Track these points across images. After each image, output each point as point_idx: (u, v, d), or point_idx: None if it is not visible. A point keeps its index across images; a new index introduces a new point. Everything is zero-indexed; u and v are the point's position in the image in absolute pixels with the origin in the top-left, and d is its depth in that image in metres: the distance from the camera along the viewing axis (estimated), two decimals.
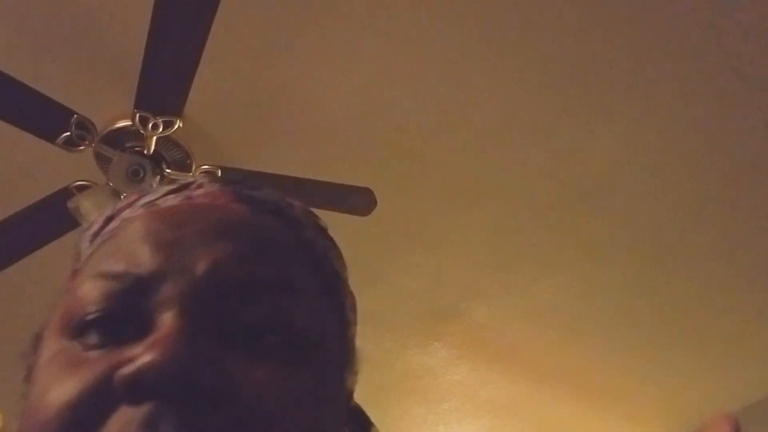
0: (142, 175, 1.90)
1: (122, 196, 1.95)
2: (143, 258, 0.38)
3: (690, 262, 2.44)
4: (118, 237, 0.41)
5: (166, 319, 0.35)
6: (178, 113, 1.79)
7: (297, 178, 1.98)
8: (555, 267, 2.50)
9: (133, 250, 0.39)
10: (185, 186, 0.46)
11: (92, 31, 1.85)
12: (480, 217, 2.33)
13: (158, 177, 1.98)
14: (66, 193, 1.97)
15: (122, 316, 0.37)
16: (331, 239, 0.48)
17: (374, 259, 2.45)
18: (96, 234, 0.45)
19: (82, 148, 1.87)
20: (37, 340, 0.42)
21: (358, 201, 2.05)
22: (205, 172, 2.02)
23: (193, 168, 2.02)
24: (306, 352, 0.38)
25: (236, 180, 0.47)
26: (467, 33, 1.84)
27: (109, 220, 0.45)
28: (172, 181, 1.88)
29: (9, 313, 2.65)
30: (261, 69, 1.93)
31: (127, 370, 0.33)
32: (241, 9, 1.78)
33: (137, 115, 1.79)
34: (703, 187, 2.20)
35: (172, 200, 0.44)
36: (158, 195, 0.45)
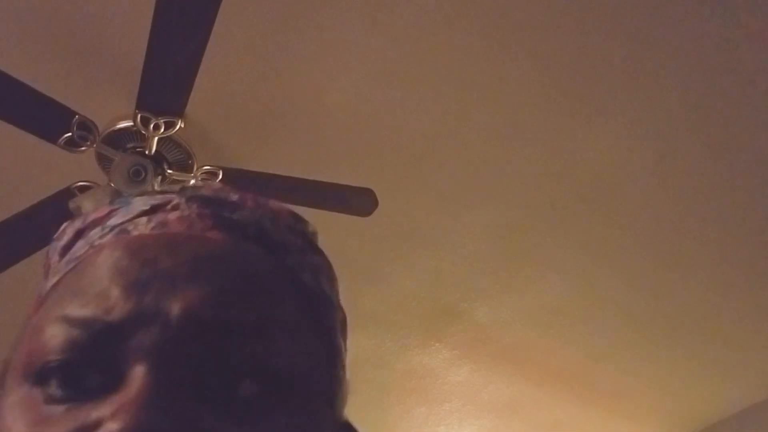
0: (143, 175, 1.91)
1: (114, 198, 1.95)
2: (112, 302, 0.35)
3: (691, 262, 2.44)
4: (86, 271, 0.38)
5: (137, 374, 0.33)
6: (180, 114, 1.79)
7: (298, 179, 1.98)
8: (556, 267, 2.50)
9: (101, 292, 0.36)
10: (160, 207, 0.42)
11: (94, 32, 1.85)
12: (481, 217, 2.33)
13: (159, 177, 1.98)
14: (67, 193, 1.98)
15: (88, 365, 0.34)
16: (319, 253, 0.45)
17: (375, 259, 2.45)
18: (66, 248, 0.43)
19: (83, 148, 1.88)
20: (4, 373, 0.39)
21: (359, 201, 2.05)
22: (207, 172, 2.02)
23: (195, 168, 2.02)
24: (289, 395, 0.36)
25: (215, 200, 0.43)
26: (468, 33, 1.84)
27: (79, 234, 0.42)
28: (174, 182, 1.87)
29: (10, 313, 2.66)
30: (262, 70, 1.93)
31: None
32: (242, 9, 1.78)
33: (138, 115, 1.79)
34: (705, 187, 2.20)
35: (144, 226, 0.40)
36: (130, 216, 0.41)
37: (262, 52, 1.89)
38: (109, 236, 0.40)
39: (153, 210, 0.41)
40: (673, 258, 2.43)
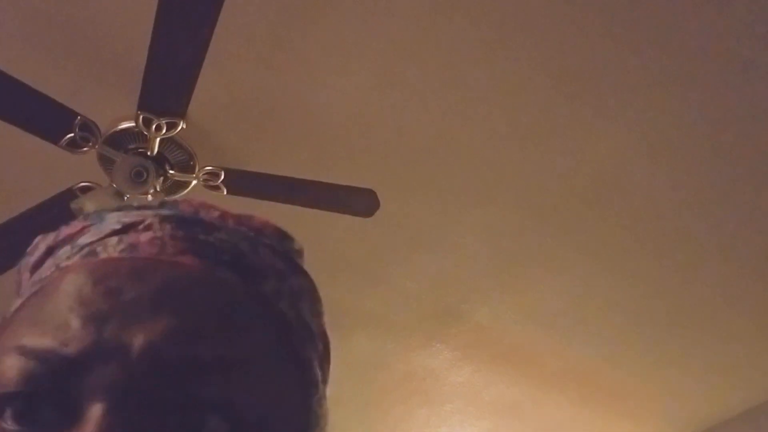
0: (145, 176, 1.91)
1: (125, 197, 1.95)
2: (70, 334, 0.34)
3: (692, 263, 2.44)
4: (47, 297, 0.37)
5: (93, 414, 0.32)
6: (182, 115, 1.79)
7: (299, 180, 1.98)
8: (558, 268, 2.50)
9: (60, 323, 0.34)
10: (132, 226, 0.40)
11: (96, 33, 1.85)
12: (482, 218, 2.33)
13: (161, 178, 1.98)
14: (69, 194, 1.98)
15: (43, 399, 0.33)
16: (302, 275, 0.43)
17: (376, 260, 2.45)
18: (36, 265, 0.41)
19: (85, 149, 1.88)
20: None
21: (360, 202, 2.05)
22: (209, 173, 2.02)
23: (197, 169, 2.02)
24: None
25: (191, 220, 0.41)
26: (469, 34, 1.84)
27: (50, 251, 0.41)
28: (175, 183, 1.88)
29: None
30: (264, 71, 1.93)
31: None
32: (244, 11, 1.78)
33: (140, 116, 1.79)
34: (706, 188, 2.20)
35: (113, 248, 0.38)
36: (101, 235, 0.39)
37: (263, 53, 1.89)
38: (77, 258, 0.39)
39: (125, 229, 0.40)
40: (675, 259, 2.43)
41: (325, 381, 0.42)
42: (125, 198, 1.95)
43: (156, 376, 0.33)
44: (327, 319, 0.44)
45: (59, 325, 0.34)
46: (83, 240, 0.40)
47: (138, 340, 0.33)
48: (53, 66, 1.90)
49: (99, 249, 0.39)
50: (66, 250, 0.40)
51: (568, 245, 2.40)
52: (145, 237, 0.39)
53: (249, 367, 0.36)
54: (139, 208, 0.42)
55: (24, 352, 0.34)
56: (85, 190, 1.98)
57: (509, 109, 2.01)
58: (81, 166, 2.00)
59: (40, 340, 0.34)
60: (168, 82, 1.70)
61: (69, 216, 1.97)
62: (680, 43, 1.83)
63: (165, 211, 0.41)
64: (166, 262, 0.37)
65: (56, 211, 1.98)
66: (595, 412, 3.16)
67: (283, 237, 0.43)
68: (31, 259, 0.42)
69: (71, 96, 1.87)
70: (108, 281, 0.36)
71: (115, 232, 0.39)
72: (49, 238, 0.42)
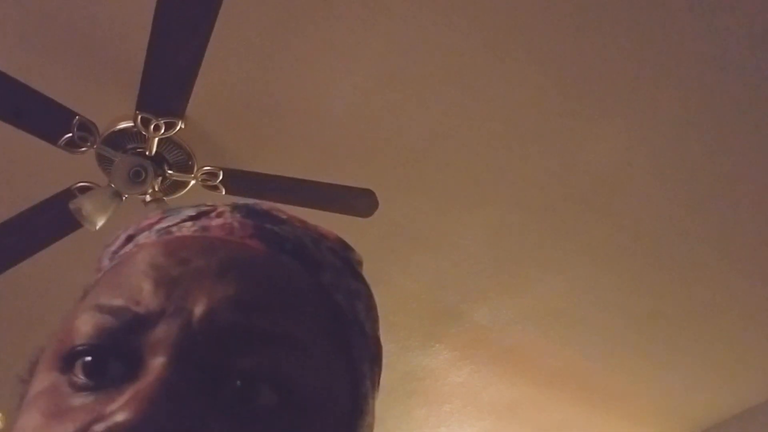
0: (143, 176, 1.90)
1: (124, 197, 1.95)
2: (143, 295, 0.37)
3: (692, 263, 2.44)
4: (125, 266, 0.40)
5: (154, 366, 0.34)
6: (180, 115, 1.79)
7: (298, 180, 1.98)
8: (557, 269, 2.50)
9: (134, 285, 0.37)
10: (205, 213, 0.44)
11: (94, 33, 1.85)
12: (482, 218, 2.33)
13: (160, 178, 1.98)
14: (68, 194, 1.98)
15: (113, 352, 0.36)
16: (361, 281, 0.45)
17: (375, 260, 2.45)
18: (115, 252, 0.44)
19: (83, 149, 1.88)
20: (34, 366, 0.40)
21: (359, 202, 2.05)
22: (207, 173, 2.02)
23: (195, 169, 2.02)
24: (302, 414, 0.36)
25: (260, 211, 0.44)
26: (468, 34, 1.84)
27: (129, 239, 0.44)
28: (174, 183, 1.88)
29: (10, 313, 2.65)
30: (263, 70, 1.93)
31: (97, 428, 0.32)
32: (242, 11, 1.78)
33: (139, 116, 1.79)
34: (706, 189, 2.20)
35: (187, 229, 0.42)
36: (176, 221, 0.43)
37: (262, 53, 1.89)
38: (153, 237, 0.42)
39: (198, 216, 0.43)
40: (674, 259, 2.43)
41: (373, 383, 0.44)
42: (123, 198, 1.95)
43: (213, 339, 0.35)
44: (381, 331, 0.46)
45: (133, 287, 0.37)
46: (160, 225, 0.43)
47: (200, 305, 0.36)
48: (52, 66, 1.90)
49: (174, 230, 0.42)
50: (144, 234, 0.43)
51: (567, 246, 2.40)
52: (216, 222, 0.42)
53: (301, 345, 0.37)
54: (214, 203, 0.46)
55: (100, 308, 0.37)
56: (83, 190, 1.98)
57: (509, 110, 2.01)
58: (79, 166, 1.99)
59: (115, 299, 0.37)
60: (166, 82, 1.70)
61: (67, 216, 1.96)
62: (680, 43, 1.83)
63: (236, 204, 0.45)
64: (233, 242, 0.41)
65: (55, 211, 1.98)
66: (593, 413, 3.16)
67: (345, 245, 0.46)
68: (111, 248, 0.45)
69: (70, 96, 1.86)
70: (179, 253, 0.39)
71: (189, 218, 0.43)
72: (130, 229, 0.45)
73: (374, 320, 0.46)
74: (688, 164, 2.13)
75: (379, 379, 0.45)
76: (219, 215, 0.43)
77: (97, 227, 1.90)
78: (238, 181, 2.01)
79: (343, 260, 0.45)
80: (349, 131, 2.08)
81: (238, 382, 0.35)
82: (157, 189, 1.98)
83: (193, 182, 2.04)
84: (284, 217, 0.45)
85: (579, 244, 2.40)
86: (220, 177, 2.01)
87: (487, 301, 2.64)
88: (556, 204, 2.27)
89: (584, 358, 2.87)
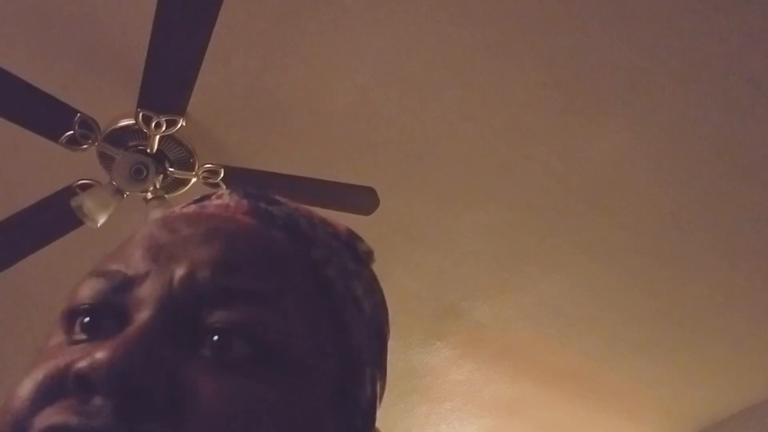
0: (145, 173, 1.91)
1: (125, 195, 1.95)
2: (134, 259, 0.40)
3: (692, 261, 2.44)
4: (128, 240, 0.43)
5: (138, 318, 0.37)
6: (182, 112, 1.79)
7: (299, 177, 1.98)
8: (558, 267, 2.50)
9: (129, 253, 0.41)
10: (207, 196, 0.47)
11: (95, 30, 1.85)
12: (483, 216, 2.33)
13: (161, 176, 1.98)
14: (69, 192, 1.98)
15: (106, 311, 0.39)
16: (365, 267, 0.47)
17: (376, 258, 2.44)
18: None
19: (85, 147, 1.88)
20: (48, 336, 0.43)
21: (360, 200, 2.05)
22: (209, 170, 2.02)
23: (196, 167, 2.02)
24: (277, 368, 0.37)
25: (258, 194, 0.47)
26: (470, 32, 1.84)
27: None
28: (175, 180, 1.88)
29: (11, 312, 2.66)
30: (264, 68, 1.93)
31: (80, 363, 0.34)
32: (244, 8, 1.78)
33: (140, 113, 1.79)
34: (707, 187, 2.20)
35: (188, 208, 0.46)
36: (183, 204, 0.48)
37: (263, 50, 1.89)
38: (162, 215, 0.47)
39: (201, 198, 0.47)
40: (674, 258, 2.43)
41: (374, 359, 0.45)
42: (125, 196, 1.95)
43: (192, 297, 0.38)
44: (389, 317, 0.47)
45: (127, 254, 0.41)
46: (172, 209, 0.48)
47: (182, 267, 0.39)
48: (53, 63, 1.90)
49: (176, 210, 0.47)
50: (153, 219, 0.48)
51: (567, 244, 2.40)
52: (215, 202, 0.46)
53: (278, 303, 0.39)
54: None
55: (98, 273, 0.41)
56: (84, 187, 1.98)
57: (510, 108, 2.01)
58: (81, 164, 1.99)
59: (111, 265, 0.41)
60: (168, 80, 1.70)
61: (69, 213, 1.96)
62: (680, 43, 1.83)
63: (237, 187, 0.49)
64: (225, 216, 0.44)
65: (56, 208, 1.98)
66: (594, 411, 3.16)
67: (352, 235, 0.48)
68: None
69: (71, 93, 1.86)
70: (172, 224, 0.43)
71: (194, 201, 0.48)
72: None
73: (377, 304, 0.47)
74: (688, 163, 2.13)
75: (385, 363, 0.46)
76: (219, 197, 0.47)
77: (99, 225, 1.90)
78: (239, 178, 2.01)
79: (346, 245, 0.47)
80: (351, 129, 2.08)
81: (215, 337, 0.37)
82: (158, 186, 1.99)
83: (194, 180, 2.04)
84: (284, 201, 0.47)
85: (580, 243, 2.40)
86: (222, 174, 2.01)
87: (488, 299, 2.64)
88: (558, 202, 2.27)
89: (585, 356, 2.87)
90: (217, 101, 2.00)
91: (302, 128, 2.08)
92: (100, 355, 0.34)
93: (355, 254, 0.47)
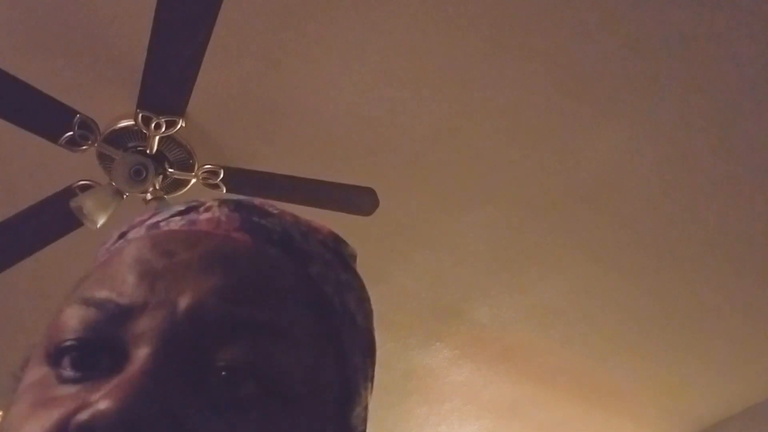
0: (144, 174, 1.90)
1: (125, 195, 1.95)
2: (127, 287, 0.37)
3: (692, 262, 2.44)
4: (112, 261, 0.40)
5: (138, 357, 0.34)
6: (181, 113, 1.79)
7: (299, 178, 1.98)
8: (557, 267, 2.50)
9: (119, 278, 0.38)
10: (194, 207, 0.44)
11: (95, 31, 1.85)
12: (482, 217, 2.33)
13: (161, 177, 1.98)
14: (69, 192, 1.98)
15: (99, 345, 0.36)
16: (352, 274, 0.45)
17: (376, 259, 2.44)
18: (108, 250, 0.45)
19: (84, 147, 1.88)
20: (26, 362, 0.40)
21: (360, 201, 2.05)
22: (208, 171, 2.02)
23: (196, 167, 2.02)
24: (286, 402, 0.36)
25: (248, 205, 0.44)
26: (470, 33, 1.84)
27: (121, 236, 0.44)
28: (175, 181, 1.88)
29: (10, 312, 2.66)
30: (264, 69, 1.93)
31: (81, 417, 0.32)
32: (243, 9, 1.78)
33: (140, 114, 1.79)
34: (706, 188, 2.20)
35: (175, 224, 0.43)
36: (166, 216, 0.44)
37: (263, 51, 1.89)
38: (142, 232, 0.43)
39: (187, 211, 0.44)
40: (674, 258, 2.43)
41: (366, 375, 0.44)
42: (124, 197, 1.95)
43: (198, 330, 0.35)
44: (375, 325, 0.46)
45: (117, 280, 0.38)
46: (150, 221, 0.44)
47: (185, 297, 0.36)
48: (53, 64, 1.90)
49: (162, 224, 0.43)
50: (135, 230, 0.44)
51: (567, 244, 2.40)
52: (204, 216, 0.43)
53: (286, 334, 0.37)
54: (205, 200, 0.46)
55: (85, 302, 0.37)
56: (84, 188, 1.98)
57: (510, 108, 2.01)
58: (80, 165, 1.99)
59: (99, 292, 0.37)
60: (167, 81, 1.70)
61: (68, 214, 1.96)
62: (680, 42, 1.83)
63: (225, 198, 0.45)
64: (219, 235, 0.41)
65: (56, 209, 1.98)
66: (594, 411, 3.16)
67: (337, 239, 0.46)
68: (105, 245, 0.45)
69: (70, 94, 1.86)
70: (164, 245, 0.39)
71: (178, 213, 0.44)
72: (124, 227, 0.45)
73: (367, 313, 0.45)
74: (689, 163, 2.13)
75: (373, 371, 0.45)
76: (207, 210, 0.43)
77: (98, 225, 1.90)
78: (238, 179, 2.01)
79: (335, 253, 0.45)
80: (350, 129, 2.08)
81: (223, 373, 0.35)
82: (157, 187, 1.98)
83: (193, 181, 2.04)
84: (274, 211, 0.45)
85: (580, 243, 2.40)
86: (221, 175, 2.01)
87: (488, 299, 2.64)
88: (557, 203, 2.27)
89: (585, 356, 2.87)
90: (217, 102, 2.00)
91: (302, 129, 2.08)
92: (103, 405, 0.32)
93: (344, 262, 0.45)
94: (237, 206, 0.44)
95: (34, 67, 1.87)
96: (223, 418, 0.34)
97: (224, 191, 2.03)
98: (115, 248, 0.43)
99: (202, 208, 0.44)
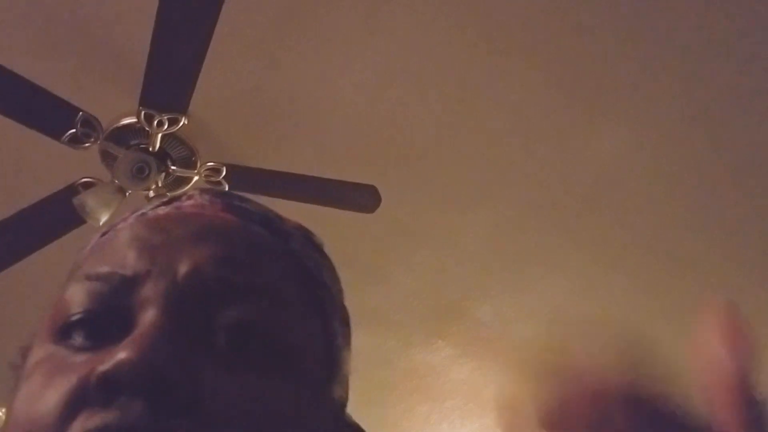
0: (147, 172, 1.91)
1: (127, 193, 1.95)
2: (129, 260, 0.39)
3: (692, 262, 2.44)
4: (108, 244, 0.42)
5: (147, 317, 0.36)
6: (183, 111, 1.79)
7: (301, 176, 1.98)
8: (558, 266, 2.50)
9: (120, 254, 0.40)
10: (176, 198, 0.46)
11: (97, 29, 1.85)
12: (484, 215, 2.33)
13: (163, 174, 1.98)
14: (71, 190, 1.98)
15: (107, 315, 0.38)
16: (323, 254, 0.47)
17: (378, 257, 2.45)
18: (92, 248, 0.46)
19: (87, 145, 1.88)
20: (26, 350, 0.42)
21: (362, 198, 2.05)
22: (210, 168, 2.02)
23: (198, 165, 2.02)
24: (287, 361, 0.38)
25: (227, 193, 0.47)
26: (471, 33, 1.84)
27: (105, 233, 0.46)
28: (177, 179, 1.88)
29: (12, 310, 2.66)
30: (266, 67, 1.93)
31: (102, 367, 0.33)
32: (245, 7, 1.78)
33: (142, 112, 1.79)
34: (707, 187, 2.20)
35: (162, 210, 0.45)
36: (150, 207, 0.46)
37: (265, 49, 1.89)
38: (131, 219, 0.45)
39: (170, 200, 0.46)
40: (675, 257, 2.43)
41: (345, 340, 0.46)
42: (127, 194, 1.95)
43: (199, 293, 0.38)
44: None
45: (118, 256, 0.40)
46: (137, 213, 0.46)
47: (185, 263, 0.38)
48: (55, 62, 1.90)
49: (149, 213, 0.45)
50: (121, 224, 0.45)
51: (568, 243, 2.40)
52: (188, 202, 0.45)
53: (280, 298, 0.40)
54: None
55: (88, 277, 0.39)
56: (87, 185, 1.99)
57: (511, 108, 2.01)
58: (83, 162, 2.00)
59: (102, 267, 0.39)
60: (169, 78, 1.70)
61: (71, 212, 1.96)
62: (681, 42, 1.83)
63: (204, 188, 0.48)
64: (207, 215, 0.44)
65: (58, 207, 1.98)
66: None
67: (306, 229, 0.48)
68: (88, 247, 0.46)
69: (73, 92, 1.87)
70: (159, 225, 0.42)
71: (162, 204, 0.46)
72: (102, 229, 0.47)
73: (339, 290, 0.48)
74: (689, 162, 2.13)
75: (350, 338, 0.47)
76: (189, 198, 0.46)
77: (101, 223, 1.90)
78: (241, 177, 2.01)
79: (306, 238, 0.47)
80: (352, 128, 2.08)
81: (225, 334, 0.37)
82: (160, 185, 1.99)
83: (196, 178, 2.04)
84: (250, 198, 0.48)
85: (580, 242, 2.40)
86: (224, 173, 2.01)
87: (489, 298, 2.64)
88: (558, 201, 2.27)
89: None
90: (219, 99, 2.00)
91: (304, 127, 2.08)
92: (122, 354, 0.33)
93: (315, 246, 0.47)
94: (217, 194, 0.46)
95: (37, 66, 1.87)
96: (233, 375, 0.36)
97: (226, 188, 2.03)
98: (105, 238, 0.44)
99: (184, 197, 0.46)
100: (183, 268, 0.38)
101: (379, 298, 2.57)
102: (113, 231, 0.45)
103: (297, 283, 0.42)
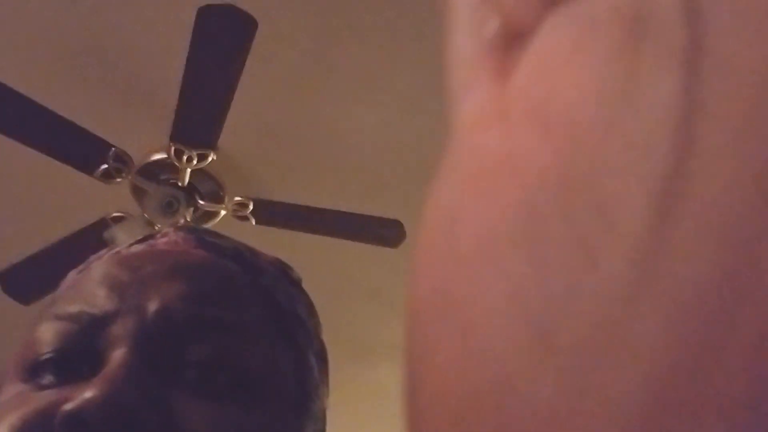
0: (176, 206, 1.94)
1: (156, 227, 1.98)
2: (98, 299, 0.39)
3: None
4: (80, 282, 0.43)
5: (115, 357, 0.36)
6: (213, 146, 1.82)
7: (326, 210, 2.00)
8: None
9: (90, 293, 0.40)
10: (150, 236, 0.48)
11: (129, 66, 1.90)
12: None
13: (192, 209, 2.01)
14: (102, 224, 2.02)
15: (76, 355, 0.38)
16: (299, 289, 0.48)
17: (402, 290, 2.44)
18: (67, 285, 0.47)
19: (118, 180, 1.92)
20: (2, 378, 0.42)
21: (387, 233, 2.06)
22: (238, 203, 2.05)
23: (226, 200, 2.05)
24: (254, 393, 0.39)
25: (201, 230, 0.49)
26: None
27: (80, 272, 0.47)
28: (205, 213, 1.90)
29: (12, 311, 2.69)
30: (293, 103, 1.96)
31: (68, 406, 0.33)
32: (273, 43, 1.82)
33: (173, 148, 1.83)
34: None
35: (135, 248, 0.45)
36: (125, 245, 0.47)
37: (292, 85, 1.92)
38: (105, 257, 0.45)
39: (145, 239, 0.47)
40: None
41: (321, 376, 0.46)
42: (156, 228, 1.98)
43: (168, 330, 0.38)
44: (324, 338, 0.48)
45: (87, 295, 0.40)
46: (111, 251, 0.47)
47: (153, 301, 0.39)
48: (88, 98, 1.95)
49: (123, 251, 0.46)
50: (97, 261, 0.46)
51: None
52: (162, 240, 0.46)
53: (248, 333, 0.40)
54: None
55: (58, 317, 0.40)
56: (117, 219, 2.02)
57: None
58: (114, 197, 2.03)
59: (71, 307, 0.40)
60: (200, 114, 1.73)
61: (101, 246, 1.99)
62: None
63: (180, 226, 0.49)
64: (178, 251, 0.44)
65: (89, 240, 2.01)
66: None
67: (282, 262, 0.49)
68: (65, 282, 0.47)
69: (106, 127, 1.91)
70: (131, 262, 0.42)
71: (137, 242, 0.47)
72: (80, 267, 0.47)
73: (317, 324, 0.48)
74: None
75: (328, 379, 0.47)
76: (164, 236, 0.47)
77: None
78: (268, 211, 2.03)
79: (281, 273, 0.48)
80: (378, 162, 2.10)
81: (195, 369, 0.38)
82: (188, 219, 2.02)
83: (223, 212, 2.07)
84: (224, 235, 0.49)
85: None
86: (251, 207, 2.03)
87: None
88: None
89: None
90: (246, 135, 2.03)
91: (330, 161, 2.10)
92: (89, 393, 0.33)
93: (291, 280, 0.48)
94: (191, 230, 0.47)
95: (70, 101, 1.92)
96: (198, 405, 0.36)
97: (253, 223, 2.06)
98: (80, 276, 0.44)
99: (158, 235, 0.47)
100: (152, 306, 0.39)
101: (401, 331, 2.56)
102: (87, 269, 0.45)
103: (267, 318, 0.43)
